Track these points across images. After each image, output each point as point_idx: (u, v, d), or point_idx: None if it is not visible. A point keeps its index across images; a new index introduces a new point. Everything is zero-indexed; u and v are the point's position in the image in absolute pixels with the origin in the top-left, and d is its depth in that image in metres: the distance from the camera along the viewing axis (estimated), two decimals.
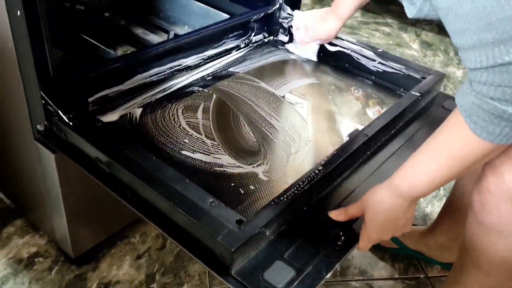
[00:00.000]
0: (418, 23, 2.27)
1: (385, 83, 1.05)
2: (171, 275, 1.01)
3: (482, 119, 0.53)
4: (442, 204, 1.04)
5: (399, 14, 2.32)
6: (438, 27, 2.24)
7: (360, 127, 0.88)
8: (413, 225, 1.09)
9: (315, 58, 1.11)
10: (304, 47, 1.11)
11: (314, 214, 0.70)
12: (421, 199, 1.19)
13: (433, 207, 1.23)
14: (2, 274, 0.98)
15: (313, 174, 0.69)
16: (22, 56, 0.74)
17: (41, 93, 0.77)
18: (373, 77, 1.06)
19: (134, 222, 1.07)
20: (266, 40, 1.17)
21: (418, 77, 0.99)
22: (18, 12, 0.68)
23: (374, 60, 1.04)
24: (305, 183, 0.68)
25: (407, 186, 0.62)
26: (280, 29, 1.17)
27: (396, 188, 0.63)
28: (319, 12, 1.04)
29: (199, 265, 1.03)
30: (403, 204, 0.64)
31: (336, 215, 0.68)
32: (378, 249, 1.10)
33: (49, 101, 0.78)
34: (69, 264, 1.01)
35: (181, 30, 1.20)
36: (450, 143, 0.59)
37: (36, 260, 1.02)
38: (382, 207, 0.64)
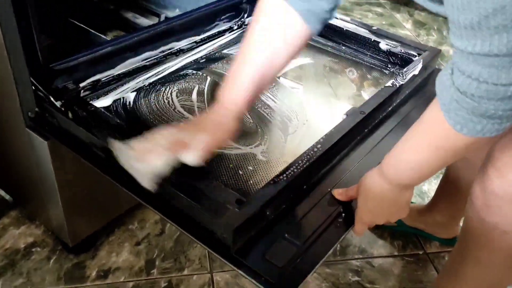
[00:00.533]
0: (411, 3, 2.25)
1: (380, 60, 1.04)
2: (171, 260, 1.00)
3: (461, 117, 0.49)
4: (439, 182, 1.04)
5: None
6: None
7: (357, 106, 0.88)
8: (411, 202, 1.10)
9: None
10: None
11: (314, 193, 0.70)
12: None
13: (430, 185, 1.23)
14: None
15: (312, 152, 0.69)
16: (10, 41, 0.72)
17: (31, 79, 0.76)
18: (368, 55, 1.05)
19: (131, 208, 1.07)
20: None
21: (414, 53, 0.98)
22: None
23: (369, 38, 1.03)
24: (304, 161, 0.67)
25: (393, 173, 0.61)
26: None
27: (385, 175, 0.62)
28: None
29: (199, 249, 1.03)
30: (393, 190, 0.62)
31: (338, 193, 0.68)
32: (376, 228, 1.10)
33: (40, 87, 0.77)
34: (67, 253, 1.00)
35: (172, 13, 1.18)
36: (431, 135, 0.56)
37: (33, 250, 1.01)
38: (372, 193, 0.63)
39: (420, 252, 1.07)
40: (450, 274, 0.81)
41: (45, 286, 0.94)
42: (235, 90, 0.66)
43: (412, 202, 1.13)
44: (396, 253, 1.06)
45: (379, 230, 1.10)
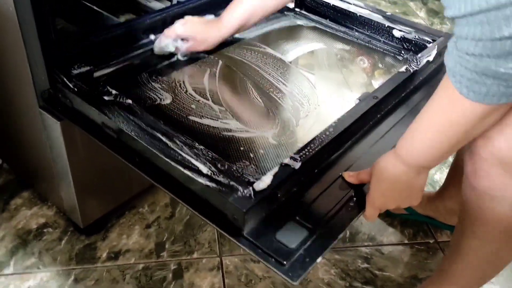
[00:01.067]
0: None
1: (393, 46, 1.02)
2: (181, 243, 1.01)
3: (466, 78, 0.50)
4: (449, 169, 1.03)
5: None
6: None
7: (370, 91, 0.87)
8: None
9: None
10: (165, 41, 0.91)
11: (325, 177, 0.69)
12: None
13: (442, 173, 1.22)
14: (12, 244, 0.99)
15: (324, 136, 0.68)
16: (24, 21, 0.72)
17: (44, 59, 0.76)
18: (382, 41, 1.03)
19: (142, 192, 1.07)
20: None
21: (428, 39, 0.97)
22: None
23: (382, 24, 1.02)
24: (316, 145, 0.67)
25: (408, 154, 0.61)
26: None
27: (399, 156, 0.62)
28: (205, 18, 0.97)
29: (209, 233, 1.03)
30: (407, 173, 0.62)
31: (349, 175, 0.68)
32: (387, 215, 1.09)
33: (53, 68, 0.77)
34: (78, 234, 1.01)
35: None
36: (441, 108, 0.56)
37: (45, 230, 1.02)
38: (386, 174, 0.63)
39: (431, 241, 1.06)
40: (451, 252, 0.82)
41: (57, 266, 0.95)
42: (231, 19, 0.91)
43: None
44: (406, 241, 1.06)
45: (390, 218, 1.09)
